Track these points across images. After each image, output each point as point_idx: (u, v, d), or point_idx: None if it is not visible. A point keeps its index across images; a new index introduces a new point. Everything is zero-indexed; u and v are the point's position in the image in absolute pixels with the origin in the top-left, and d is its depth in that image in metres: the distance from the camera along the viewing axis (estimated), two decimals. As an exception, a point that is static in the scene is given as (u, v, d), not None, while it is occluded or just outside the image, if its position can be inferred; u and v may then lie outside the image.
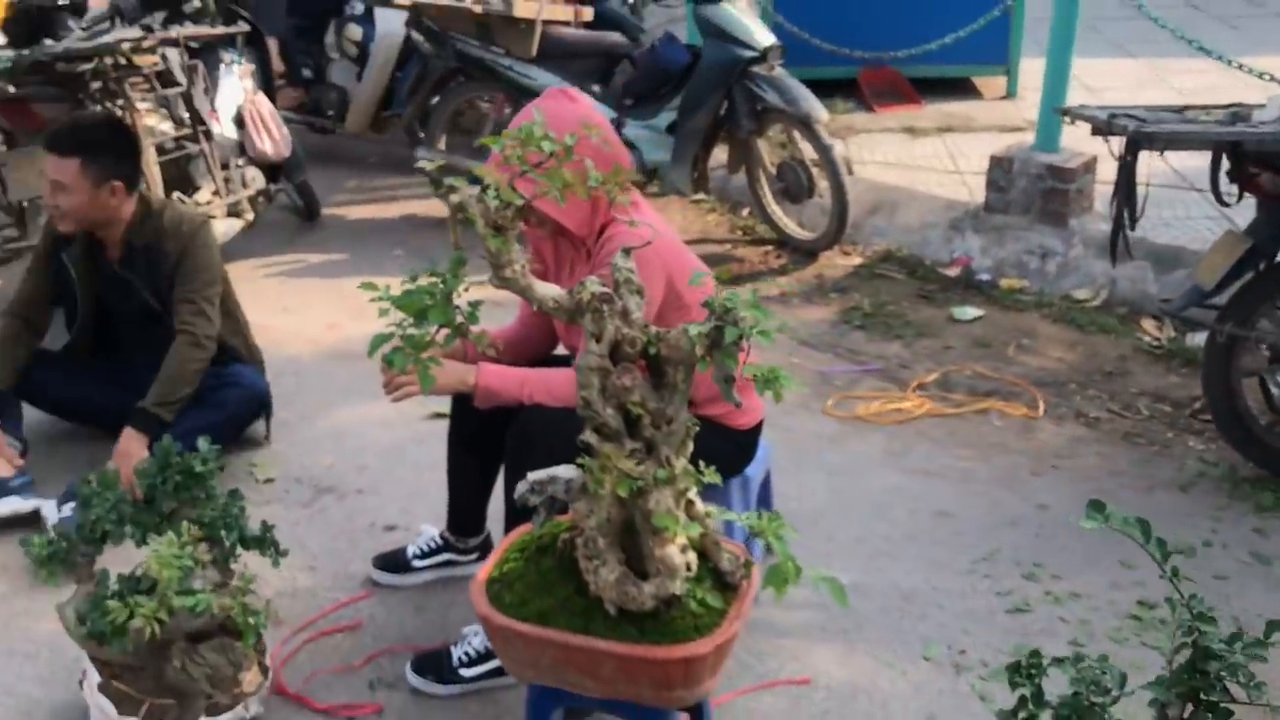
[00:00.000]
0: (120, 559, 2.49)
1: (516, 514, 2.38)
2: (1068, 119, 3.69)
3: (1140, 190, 3.37)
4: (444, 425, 3.65)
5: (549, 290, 2.01)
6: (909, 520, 3.31)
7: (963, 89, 7.08)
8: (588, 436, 2.01)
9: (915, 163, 5.87)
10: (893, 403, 3.97)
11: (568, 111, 2.41)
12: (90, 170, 3.23)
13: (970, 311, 4.61)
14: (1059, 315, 4.57)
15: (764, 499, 2.98)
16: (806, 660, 2.73)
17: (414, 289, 1.96)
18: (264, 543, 2.41)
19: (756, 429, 2.77)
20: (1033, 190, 4.94)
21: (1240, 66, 4.67)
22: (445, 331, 1.97)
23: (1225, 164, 3.31)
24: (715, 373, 1.97)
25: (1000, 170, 5.01)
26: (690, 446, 2.08)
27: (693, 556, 2.11)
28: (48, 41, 4.41)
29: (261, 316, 4.41)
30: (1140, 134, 3.10)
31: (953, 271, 4.94)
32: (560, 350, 2.85)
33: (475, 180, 1.98)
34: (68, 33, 4.91)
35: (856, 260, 5.16)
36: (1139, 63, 7.66)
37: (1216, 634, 1.50)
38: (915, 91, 6.79)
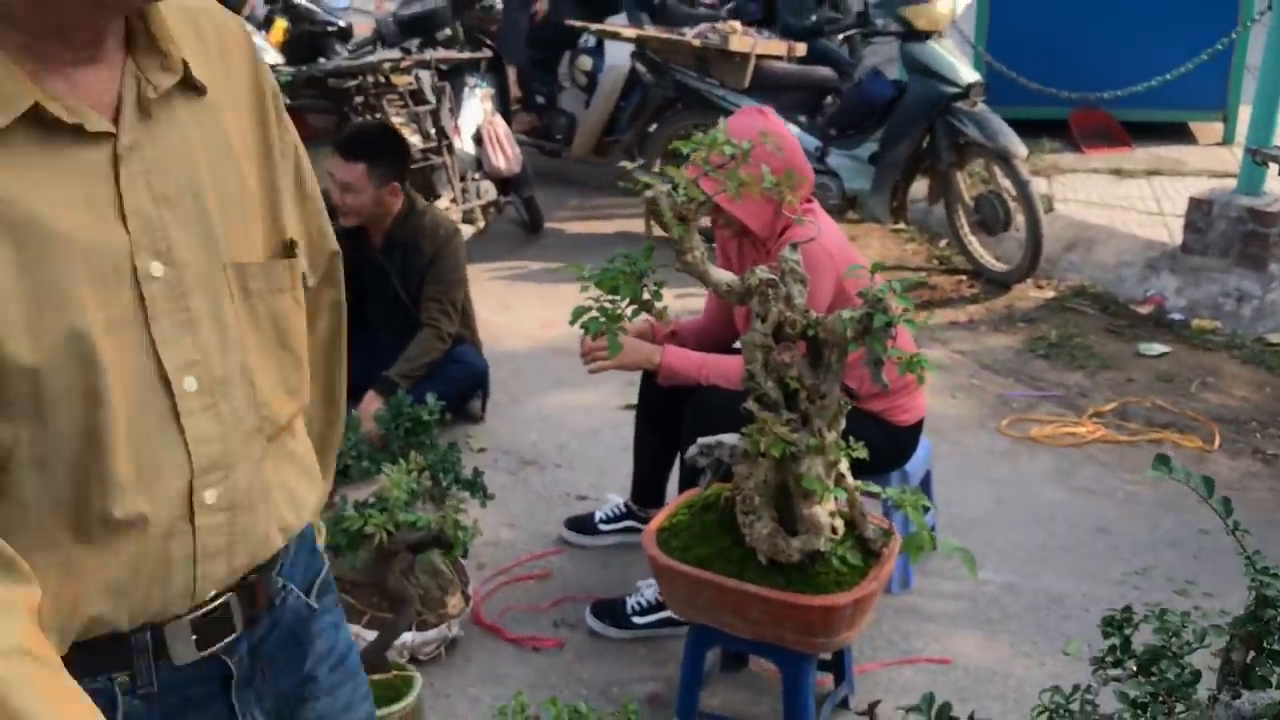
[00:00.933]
0: (356, 494, 2.95)
1: (687, 479, 2.71)
2: (1258, 159, 3.78)
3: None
4: (634, 415, 4.05)
5: (723, 275, 2.34)
6: (1067, 533, 3.46)
7: (1178, 133, 7.05)
8: (749, 404, 2.32)
9: (1118, 203, 5.92)
10: (1067, 427, 4.10)
11: (749, 123, 2.74)
12: (374, 172, 3.77)
13: (1157, 347, 4.68)
14: (1249, 357, 4.59)
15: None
16: (949, 643, 2.94)
17: (610, 268, 2.32)
18: (474, 486, 2.82)
19: (917, 427, 3.01)
20: (1232, 233, 4.96)
21: None
22: (633, 306, 2.32)
23: None
24: (866, 355, 2.24)
25: (1199, 212, 5.05)
26: (842, 423, 2.35)
27: (840, 522, 2.39)
28: (321, 60, 5.04)
29: (485, 313, 4.91)
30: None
31: (1145, 309, 5.00)
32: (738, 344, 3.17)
33: (668, 180, 2.33)
34: (336, 55, 5.58)
35: (1049, 293, 5.27)
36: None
37: (1277, 585, 1.68)
38: (1126, 134, 6.82)
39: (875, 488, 2.43)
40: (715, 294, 2.34)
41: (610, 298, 2.32)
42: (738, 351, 3.07)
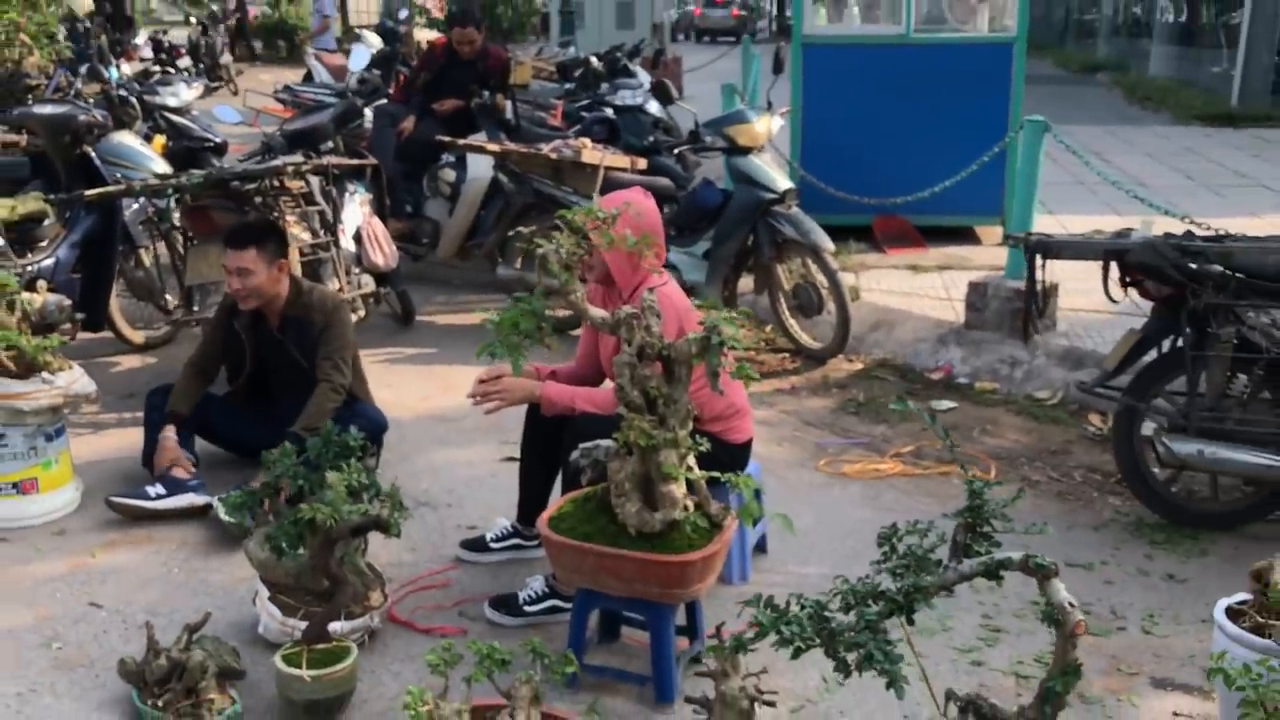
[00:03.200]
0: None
1: (568, 484, 3.40)
2: (1010, 243, 4.75)
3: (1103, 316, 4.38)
4: (513, 466, 4.70)
5: (598, 311, 3.07)
6: (872, 540, 4.23)
7: (965, 236, 8.20)
8: (620, 409, 3.04)
9: (914, 291, 6.94)
10: (873, 464, 4.94)
11: (620, 197, 3.53)
12: (263, 254, 4.38)
13: (945, 403, 5.60)
14: (1021, 409, 5.54)
15: (755, 505, 3.96)
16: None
17: (513, 308, 3.03)
18: (393, 495, 3.43)
19: (746, 446, 3.77)
20: (1003, 310, 5.97)
21: (1184, 218, 5.66)
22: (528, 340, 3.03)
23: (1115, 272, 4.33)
24: (705, 367, 2.99)
25: (977, 294, 6.06)
26: (690, 424, 3.09)
27: (690, 504, 3.11)
28: (228, 164, 5.67)
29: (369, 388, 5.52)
30: (1038, 244, 4.15)
31: (937, 375, 5.94)
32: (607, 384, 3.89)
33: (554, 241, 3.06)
34: (211, 168, 6.20)
35: (858, 366, 6.18)
36: (1123, 219, 8.73)
37: (991, 499, 2.47)
38: (921, 237, 7.91)
39: (715, 474, 3.16)
40: (590, 329, 3.06)
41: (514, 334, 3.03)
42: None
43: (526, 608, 3.59)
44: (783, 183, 6.20)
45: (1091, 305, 6.40)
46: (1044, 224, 8.11)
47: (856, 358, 6.27)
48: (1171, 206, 5.99)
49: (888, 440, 5.23)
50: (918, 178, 7.25)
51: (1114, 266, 4.28)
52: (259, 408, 4.69)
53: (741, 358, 2.91)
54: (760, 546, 4.09)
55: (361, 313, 6.10)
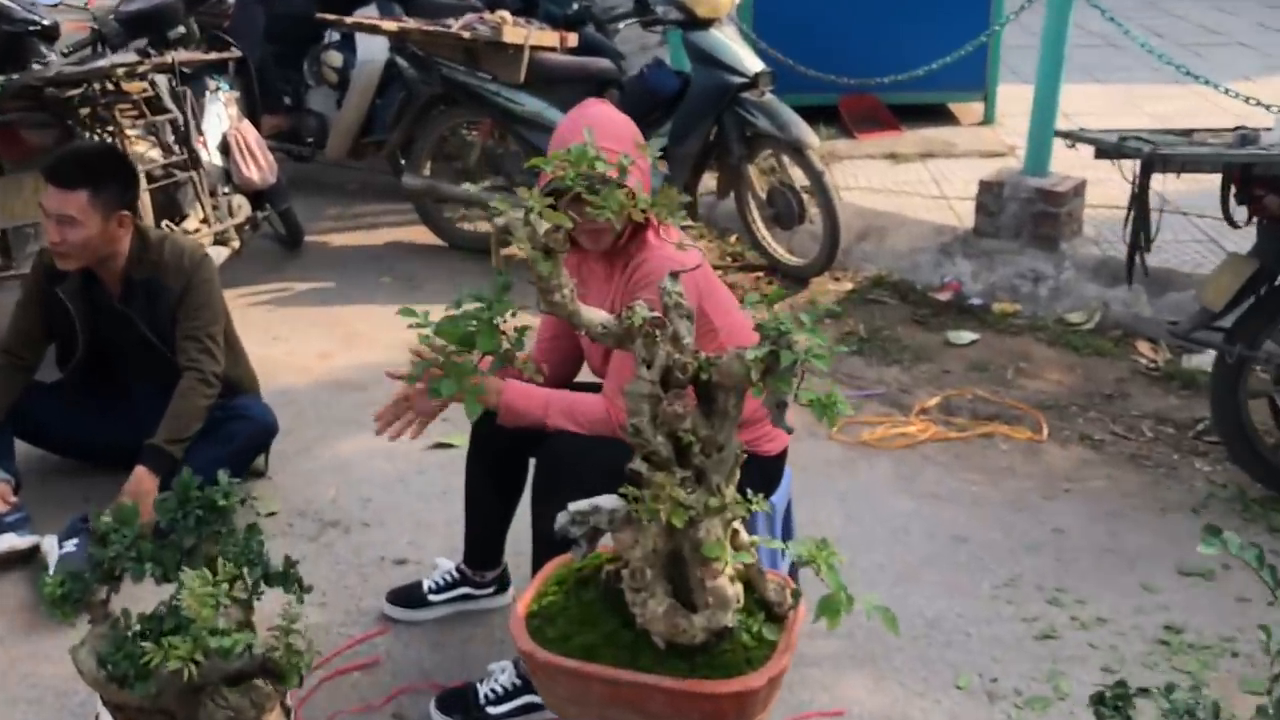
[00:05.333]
0: (130, 598, 2.41)
1: (549, 545, 2.32)
2: (1068, 143, 3.71)
3: (1154, 215, 3.38)
4: (447, 455, 3.61)
5: (596, 315, 1.96)
6: (926, 545, 3.28)
7: (940, 115, 7.14)
8: (636, 465, 1.97)
9: (900, 188, 5.89)
10: (897, 427, 3.95)
11: (620, 126, 2.40)
12: (99, 200, 3.15)
13: (965, 335, 4.61)
14: (1054, 338, 4.58)
15: (787, 528, 2.94)
16: (837, 691, 2.68)
17: (459, 314, 1.91)
18: (288, 579, 2.33)
19: (782, 456, 2.73)
20: (1023, 214, 4.96)
21: (1227, 91, 4.72)
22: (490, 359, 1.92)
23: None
24: (768, 398, 1.93)
25: (990, 194, 5.03)
26: (738, 474, 2.04)
27: (740, 587, 2.07)
28: (34, 65, 4.33)
29: (251, 346, 4.29)
30: (1156, 156, 3.11)
31: (944, 296, 4.94)
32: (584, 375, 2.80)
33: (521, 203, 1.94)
34: (41, 60, 4.80)
35: (847, 286, 5.15)
36: (1109, 88, 7.76)
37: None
38: (895, 118, 6.83)
39: (778, 543, 2.13)
40: (588, 334, 1.96)
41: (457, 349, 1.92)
42: (585, 387, 2.71)
43: (491, 709, 2.55)
44: (753, 63, 5.04)
45: (1113, 199, 5.43)
46: (1014, 95, 7.11)
47: (844, 275, 5.23)
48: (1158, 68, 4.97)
49: (906, 390, 4.24)
50: (889, 54, 6.13)
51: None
52: (106, 400, 3.50)
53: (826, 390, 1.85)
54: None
55: (236, 244, 4.86)
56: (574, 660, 2.03)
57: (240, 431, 3.32)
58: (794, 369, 1.90)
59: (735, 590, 2.04)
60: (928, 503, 3.50)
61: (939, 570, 3.16)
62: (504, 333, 1.92)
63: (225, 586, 2.04)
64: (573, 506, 2.13)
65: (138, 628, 2.21)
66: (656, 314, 1.92)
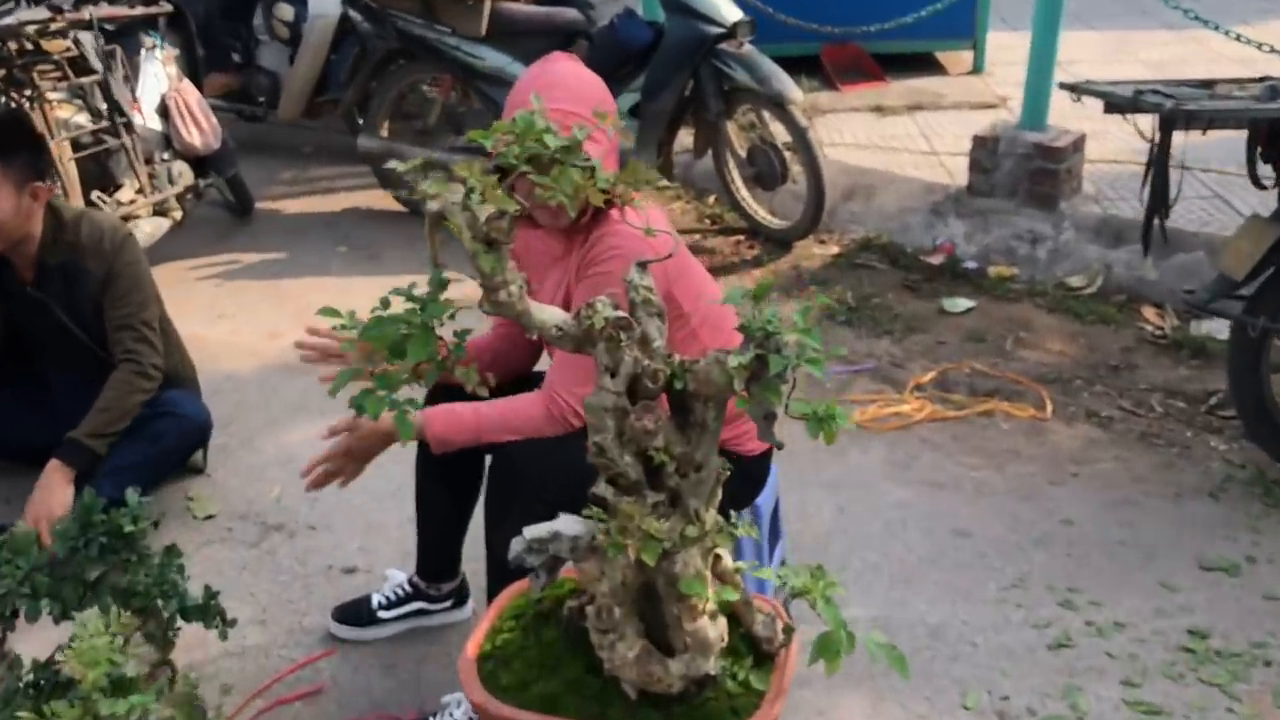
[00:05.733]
0: (29, 636, 2.12)
1: (504, 570, 2.02)
2: (1074, 97, 3.41)
3: (1174, 175, 3.09)
4: (404, 450, 3.30)
5: (550, 315, 1.66)
6: (925, 542, 3.01)
7: (927, 65, 6.81)
8: (601, 490, 1.68)
9: (887, 143, 5.57)
10: (890, 405, 3.67)
11: (586, 85, 2.09)
12: (10, 173, 2.82)
13: (961, 303, 4.33)
14: (1054, 304, 4.30)
15: (775, 531, 2.66)
16: (833, 715, 2.42)
17: (387, 316, 1.61)
18: (208, 612, 2.05)
19: (767, 455, 2.45)
20: (1019, 171, 4.66)
21: (1239, 37, 4.41)
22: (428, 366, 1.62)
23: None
24: (753, 410, 1.64)
25: (984, 151, 4.72)
26: (719, 495, 1.75)
27: (724, 623, 1.79)
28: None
29: (195, 326, 4.03)
30: (1179, 112, 2.81)
31: (936, 259, 4.65)
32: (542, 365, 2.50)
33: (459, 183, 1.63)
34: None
35: (834, 249, 4.85)
36: (1102, 35, 7.45)
37: None
38: (879, 68, 6.50)
39: (767, 572, 1.85)
40: (542, 337, 1.66)
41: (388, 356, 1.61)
42: (528, 383, 2.40)
43: (445, 748, 2.27)
44: (731, 12, 4.70)
45: (1113, 153, 5.15)
46: (1004, 43, 6.81)
47: (830, 238, 4.93)
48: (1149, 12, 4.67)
49: (899, 364, 3.95)
50: (870, 2, 5.79)
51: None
52: (23, 392, 3.18)
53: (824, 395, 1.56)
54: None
55: (177, 214, 4.53)
56: (533, 714, 1.75)
57: (169, 430, 3.00)
58: (784, 375, 1.60)
59: (718, 629, 1.76)
60: (925, 492, 3.23)
61: (940, 570, 2.89)
62: (441, 338, 1.62)
63: (122, 640, 1.73)
64: (529, 533, 1.83)
65: (30, 678, 1.92)
66: (621, 313, 1.62)
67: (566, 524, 1.81)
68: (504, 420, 2.18)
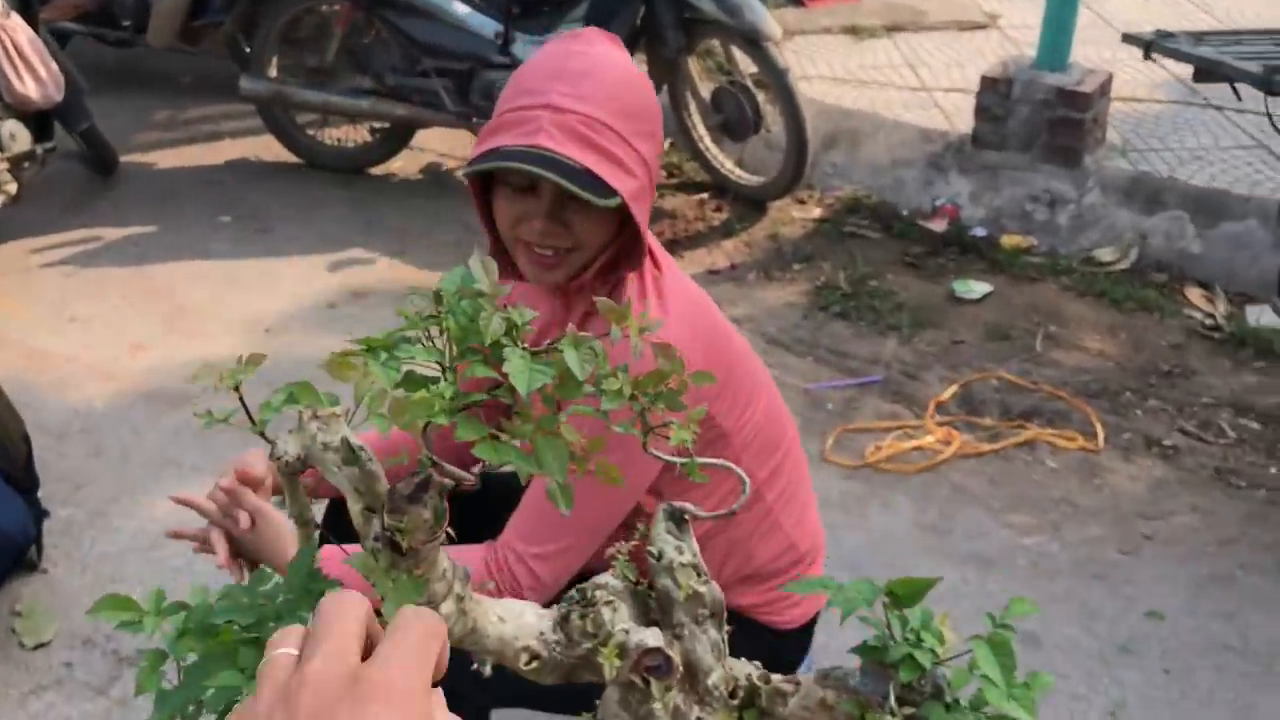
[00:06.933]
0: None
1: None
2: (1147, 54, 2.68)
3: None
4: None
5: (517, 626, 0.92)
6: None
7: (901, -27, 5.99)
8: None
9: (869, 76, 4.80)
10: (912, 437, 2.99)
11: (639, 94, 1.45)
12: None
13: (976, 287, 3.63)
14: (1084, 286, 3.63)
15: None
16: None
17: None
18: None
19: (809, 628, 1.75)
20: (1036, 120, 3.92)
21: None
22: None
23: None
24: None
25: (994, 95, 3.97)
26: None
27: None
28: None
29: (35, 336, 3.22)
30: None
31: (938, 225, 3.94)
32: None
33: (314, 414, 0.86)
34: None
35: (816, 212, 4.11)
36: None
37: None
38: (850, -21, 5.68)
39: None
40: (510, 669, 0.93)
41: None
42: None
43: None
44: (692, -74, 3.86)
45: (1133, 90, 4.44)
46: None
47: (810, 197, 4.19)
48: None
49: (911, 373, 3.26)
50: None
51: None
52: None
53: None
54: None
55: (13, 188, 3.65)
56: None
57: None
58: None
59: None
60: (973, 570, 2.57)
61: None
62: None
63: None
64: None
65: None
66: (659, 645, 0.88)
67: None
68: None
